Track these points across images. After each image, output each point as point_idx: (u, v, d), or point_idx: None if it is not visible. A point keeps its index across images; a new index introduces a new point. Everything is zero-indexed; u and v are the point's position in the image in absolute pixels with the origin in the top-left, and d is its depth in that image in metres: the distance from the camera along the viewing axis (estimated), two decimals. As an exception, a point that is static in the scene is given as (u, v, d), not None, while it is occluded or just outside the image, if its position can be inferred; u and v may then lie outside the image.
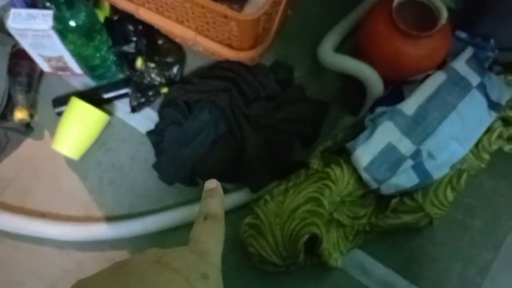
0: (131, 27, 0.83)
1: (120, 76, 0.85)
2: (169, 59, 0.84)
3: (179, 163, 0.75)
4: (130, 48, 0.82)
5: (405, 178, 0.68)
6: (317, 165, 0.71)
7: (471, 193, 0.77)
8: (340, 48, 0.84)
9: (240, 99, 0.77)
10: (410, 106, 0.69)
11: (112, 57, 0.81)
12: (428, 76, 0.72)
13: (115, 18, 0.84)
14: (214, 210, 0.38)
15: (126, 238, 0.74)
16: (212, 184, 0.41)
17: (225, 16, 0.70)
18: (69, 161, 0.80)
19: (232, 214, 0.73)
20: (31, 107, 0.82)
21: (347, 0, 0.90)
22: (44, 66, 0.83)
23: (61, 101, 0.81)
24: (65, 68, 0.82)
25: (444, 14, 0.71)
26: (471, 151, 0.71)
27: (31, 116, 0.81)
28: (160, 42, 0.85)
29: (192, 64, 0.87)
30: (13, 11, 0.72)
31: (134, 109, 0.82)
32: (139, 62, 0.82)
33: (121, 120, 0.83)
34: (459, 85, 0.70)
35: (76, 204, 0.77)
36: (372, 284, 0.72)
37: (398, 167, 0.67)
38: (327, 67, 0.82)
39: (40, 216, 0.76)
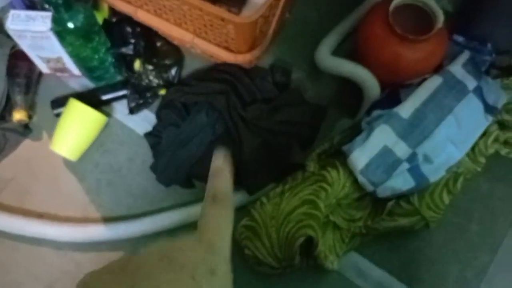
0: (129, 29, 0.84)
1: (119, 77, 0.85)
2: (167, 61, 0.84)
3: (176, 165, 0.76)
4: (128, 50, 0.82)
5: (401, 181, 0.68)
6: (314, 168, 0.71)
7: (468, 196, 0.78)
8: (338, 51, 0.85)
9: (237, 101, 0.77)
10: (406, 109, 0.69)
11: (110, 59, 0.81)
12: (424, 79, 0.72)
13: (114, 20, 0.85)
14: (222, 189, 0.38)
15: (123, 239, 0.74)
16: (219, 161, 0.41)
17: (222, 19, 0.70)
18: (67, 162, 0.80)
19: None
20: (30, 108, 0.82)
21: (345, 4, 0.90)
22: (43, 67, 0.83)
23: (60, 102, 0.82)
24: (64, 70, 0.83)
25: (441, 18, 0.72)
26: (468, 154, 0.71)
27: (30, 117, 0.82)
28: (158, 44, 0.85)
29: (190, 66, 0.87)
30: (12, 12, 0.73)
31: (132, 111, 0.82)
32: (137, 64, 0.82)
33: (119, 122, 0.84)
34: (455, 89, 0.70)
35: (74, 205, 0.78)
36: (368, 286, 0.72)
37: (394, 170, 0.67)
38: (324, 70, 0.83)
39: (38, 216, 0.76)
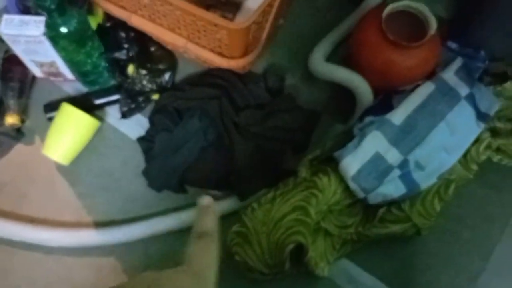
0: (123, 34, 0.84)
1: (112, 82, 0.85)
2: (161, 66, 0.84)
3: (168, 170, 0.76)
4: (122, 54, 0.82)
5: (393, 188, 0.68)
6: (305, 174, 0.71)
7: (461, 203, 0.78)
8: (331, 57, 0.85)
9: (230, 107, 0.77)
10: (398, 116, 0.69)
11: (103, 64, 0.81)
12: (417, 86, 0.72)
13: (108, 24, 0.85)
14: (209, 227, 0.38)
15: (117, 244, 0.74)
16: (205, 200, 0.41)
17: (215, 25, 0.70)
18: (60, 167, 0.80)
19: (221, 222, 0.73)
20: (23, 112, 0.82)
21: (339, 10, 0.90)
22: (36, 71, 0.83)
23: (53, 106, 0.82)
24: (57, 74, 0.83)
25: (434, 24, 0.72)
26: (459, 161, 0.71)
27: (23, 121, 0.82)
28: (152, 49, 0.85)
29: (184, 71, 0.87)
30: (5, 17, 0.73)
31: (124, 115, 0.82)
32: (130, 69, 0.82)
33: (112, 126, 0.83)
34: (447, 95, 0.70)
35: (67, 209, 0.78)
36: (359, 293, 0.72)
37: (386, 176, 0.67)
38: (318, 76, 0.83)
39: (31, 222, 0.76)
